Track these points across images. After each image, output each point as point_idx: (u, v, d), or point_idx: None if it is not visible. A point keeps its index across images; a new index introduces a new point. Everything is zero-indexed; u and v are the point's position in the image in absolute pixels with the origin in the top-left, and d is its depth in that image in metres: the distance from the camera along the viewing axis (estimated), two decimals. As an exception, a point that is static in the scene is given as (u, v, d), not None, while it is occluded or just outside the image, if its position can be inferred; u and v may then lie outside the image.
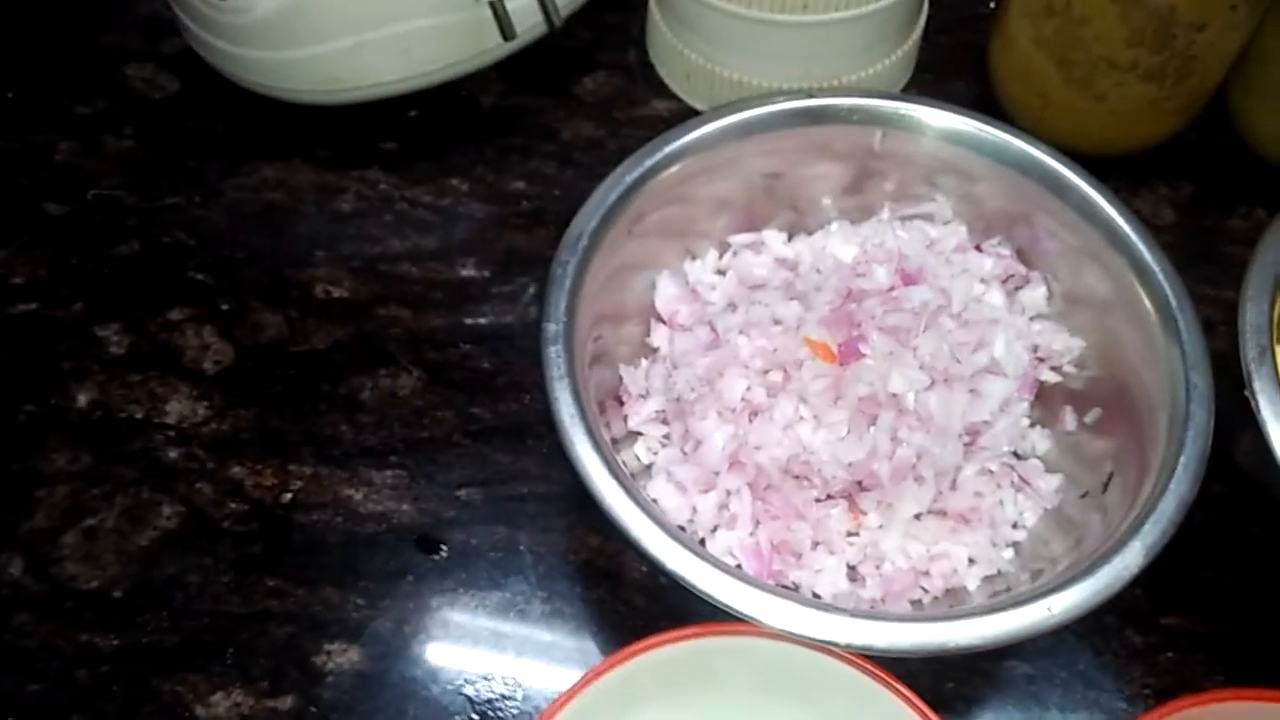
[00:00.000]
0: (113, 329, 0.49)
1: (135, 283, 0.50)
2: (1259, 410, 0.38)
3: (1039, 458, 0.43)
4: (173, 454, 0.45)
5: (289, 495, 0.44)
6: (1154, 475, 0.37)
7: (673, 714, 0.36)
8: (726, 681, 0.36)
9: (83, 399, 0.47)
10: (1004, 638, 0.33)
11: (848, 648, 0.33)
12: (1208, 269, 0.49)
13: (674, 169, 0.43)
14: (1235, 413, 0.39)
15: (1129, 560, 0.35)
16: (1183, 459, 0.37)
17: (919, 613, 0.39)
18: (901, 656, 0.33)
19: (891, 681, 0.34)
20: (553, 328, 0.39)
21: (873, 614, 0.34)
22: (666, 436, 0.42)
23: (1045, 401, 0.44)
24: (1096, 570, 0.34)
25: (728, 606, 0.34)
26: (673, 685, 0.36)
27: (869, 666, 0.34)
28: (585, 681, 0.34)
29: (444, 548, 0.44)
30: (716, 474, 0.40)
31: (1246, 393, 0.39)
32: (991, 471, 0.42)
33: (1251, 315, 0.40)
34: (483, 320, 0.49)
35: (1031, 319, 0.44)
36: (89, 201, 0.53)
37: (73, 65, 0.58)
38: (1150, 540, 0.35)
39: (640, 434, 0.43)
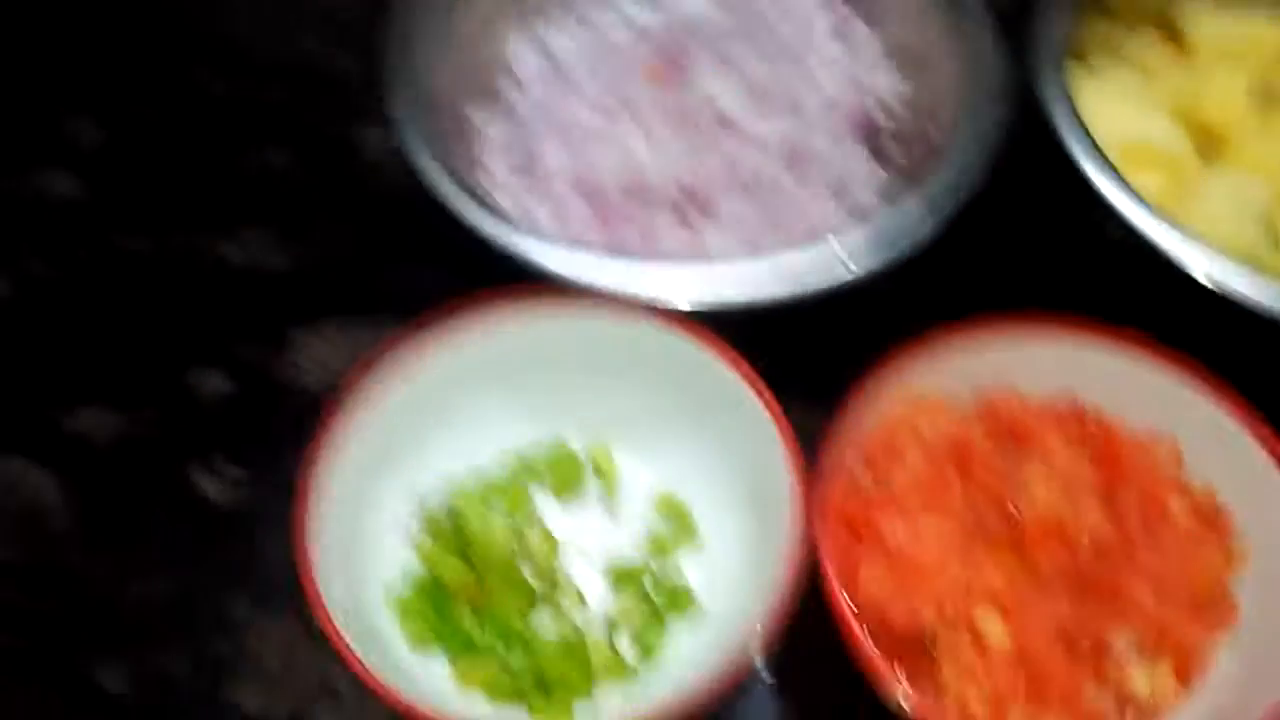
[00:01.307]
0: None
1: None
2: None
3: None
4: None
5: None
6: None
7: (507, 394, 0.38)
8: (555, 359, 0.38)
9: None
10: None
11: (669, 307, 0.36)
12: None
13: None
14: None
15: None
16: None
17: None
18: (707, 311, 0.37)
19: (712, 339, 0.36)
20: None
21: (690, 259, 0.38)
22: (518, 167, 0.45)
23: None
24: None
25: (550, 270, 0.37)
26: (505, 360, 0.38)
27: (692, 328, 0.36)
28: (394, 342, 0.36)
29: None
30: (561, 195, 0.43)
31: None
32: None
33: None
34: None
35: (857, 58, 0.47)
36: None
37: None
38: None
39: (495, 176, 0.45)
